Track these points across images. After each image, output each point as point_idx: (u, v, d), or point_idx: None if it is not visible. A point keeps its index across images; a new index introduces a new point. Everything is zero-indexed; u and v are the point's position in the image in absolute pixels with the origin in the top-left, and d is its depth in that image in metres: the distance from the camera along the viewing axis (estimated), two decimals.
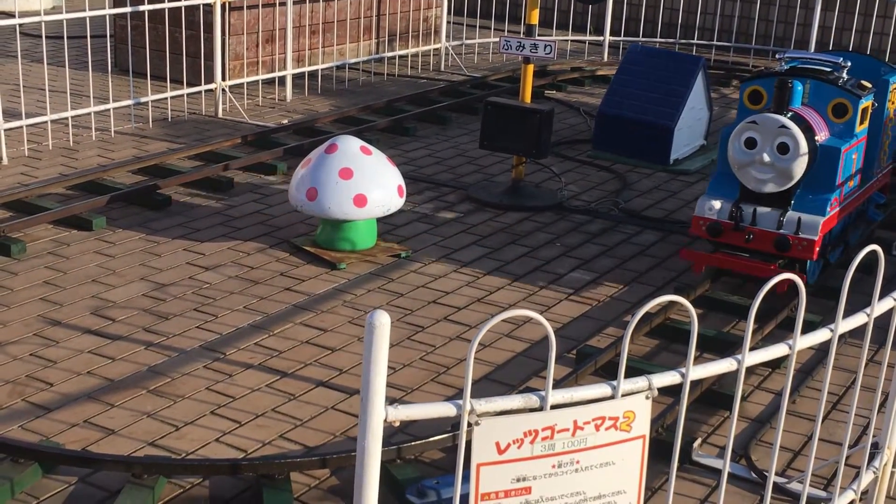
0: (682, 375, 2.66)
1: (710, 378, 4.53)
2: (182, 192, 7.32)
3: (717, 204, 5.84)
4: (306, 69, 10.47)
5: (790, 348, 2.90)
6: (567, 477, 2.51)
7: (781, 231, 5.66)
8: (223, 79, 9.63)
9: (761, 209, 5.76)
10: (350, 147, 6.23)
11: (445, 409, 2.45)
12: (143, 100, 9.03)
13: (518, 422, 2.44)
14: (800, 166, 5.56)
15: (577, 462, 2.51)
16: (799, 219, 5.66)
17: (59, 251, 6.23)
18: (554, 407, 2.46)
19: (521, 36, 7.39)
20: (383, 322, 2.29)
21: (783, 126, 5.55)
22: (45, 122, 8.20)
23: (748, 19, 13.34)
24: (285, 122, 9.32)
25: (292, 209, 6.67)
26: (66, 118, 8.35)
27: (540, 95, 10.47)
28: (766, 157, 5.57)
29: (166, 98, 9.25)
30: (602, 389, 2.53)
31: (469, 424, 2.39)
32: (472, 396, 2.37)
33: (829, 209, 5.67)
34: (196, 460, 4.16)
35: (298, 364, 5.04)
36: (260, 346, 5.21)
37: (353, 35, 11.33)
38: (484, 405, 2.42)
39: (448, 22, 12.26)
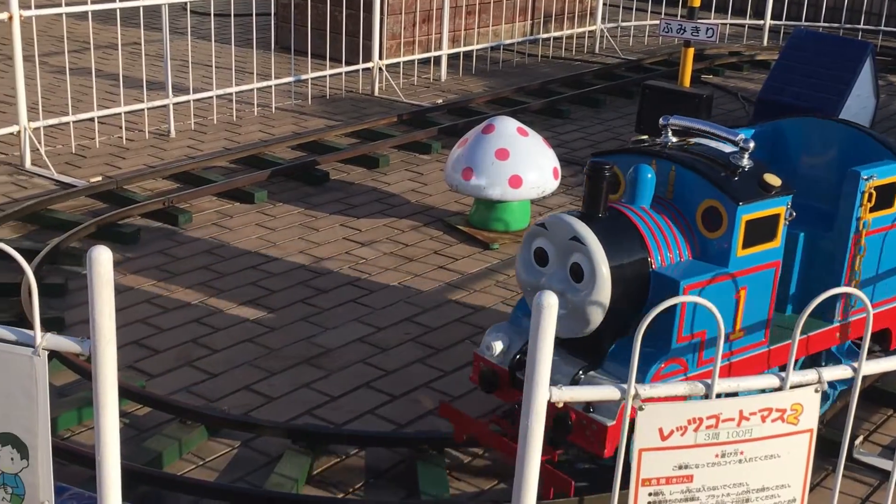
0: (854, 370, 2.60)
1: (874, 374, 4.39)
2: (339, 168, 7.48)
3: (498, 344, 3.88)
4: (461, 49, 10.53)
5: None
6: (730, 467, 2.48)
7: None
8: (380, 58, 9.78)
9: (557, 360, 3.48)
10: (507, 128, 6.25)
11: (610, 393, 2.45)
12: (303, 77, 9.24)
13: (683, 409, 2.42)
14: (597, 305, 3.56)
15: (742, 453, 2.48)
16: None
17: (222, 222, 6.45)
18: (719, 396, 2.44)
19: (682, 18, 7.27)
20: (551, 303, 2.31)
21: (575, 238, 3.59)
22: (211, 97, 8.48)
23: None
24: (440, 101, 9.40)
25: (446, 188, 6.74)
26: (231, 94, 8.61)
27: (696, 80, 10.27)
28: (555, 284, 3.61)
29: (325, 76, 9.44)
30: (770, 380, 2.49)
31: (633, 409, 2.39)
32: None
33: (651, 379, 3.59)
34: (354, 431, 4.26)
35: (451, 341, 5.11)
36: (413, 322, 5.29)
37: (508, 16, 11.33)
38: (648, 390, 2.41)
39: (604, 4, 12.14)
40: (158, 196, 6.64)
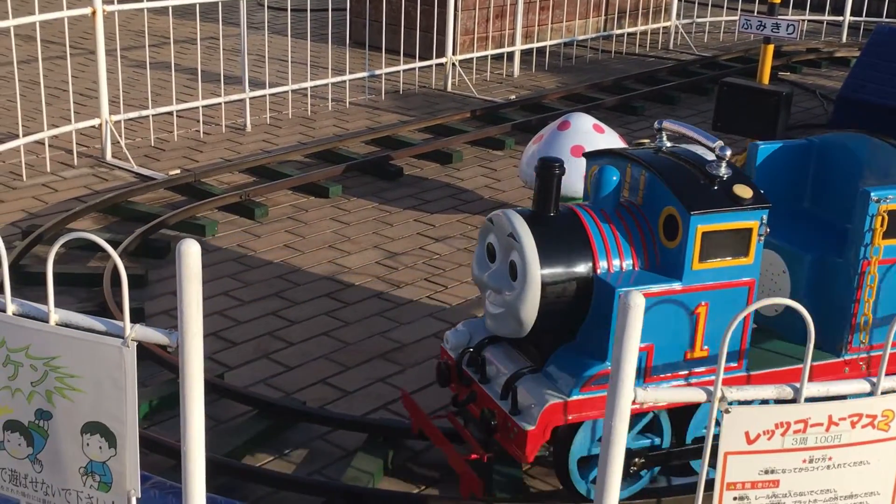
0: None
1: None
2: (413, 163, 7.49)
3: (455, 337, 3.88)
4: (534, 45, 10.49)
5: None
6: (818, 473, 2.44)
7: (501, 402, 3.59)
8: (453, 53, 9.78)
9: (502, 358, 3.72)
10: (583, 124, 6.21)
11: (695, 395, 2.42)
12: (377, 72, 9.28)
13: (770, 412, 2.38)
14: (528, 306, 3.44)
15: (830, 458, 2.43)
16: (519, 391, 3.53)
17: (297, 216, 6.50)
18: (808, 400, 2.40)
19: (762, 15, 7.17)
20: (638, 303, 2.28)
21: (511, 235, 3.48)
22: (286, 91, 8.55)
23: None
24: (512, 97, 9.38)
25: (520, 184, 6.72)
26: (305, 88, 8.68)
27: (774, 77, 10.12)
28: (494, 281, 3.56)
29: (398, 71, 9.47)
30: (860, 385, 2.45)
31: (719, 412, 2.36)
32: None
33: (580, 388, 3.45)
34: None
35: None
36: None
37: (581, 12, 11.26)
38: (735, 393, 2.38)
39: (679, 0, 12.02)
40: (235, 190, 6.72)
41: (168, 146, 7.72)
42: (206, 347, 2.36)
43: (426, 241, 6.20)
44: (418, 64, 9.60)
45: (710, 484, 2.41)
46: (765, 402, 2.56)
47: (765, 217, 3.50)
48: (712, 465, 2.40)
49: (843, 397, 2.41)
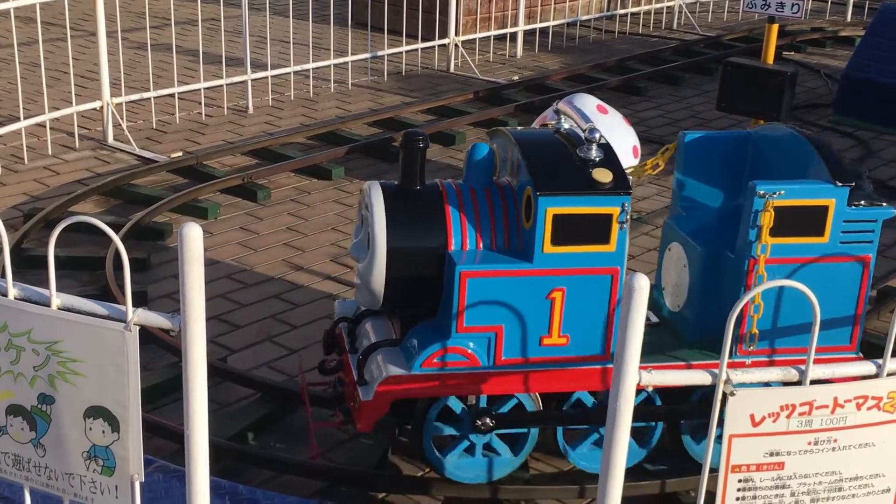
0: None
1: None
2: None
3: (341, 306, 3.97)
4: (537, 25, 10.44)
5: None
6: (823, 455, 2.43)
7: (355, 371, 3.60)
8: (456, 34, 9.74)
9: (373, 330, 3.73)
10: (586, 105, 6.18)
11: (700, 377, 2.41)
12: (379, 53, 9.24)
13: (775, 395, 2.38)
14: (375, 276, 3.45)
15: (835, 441, 2.42)
16: (369, 363, 3.55)
17: (300, 199, 6.49)
18: (813, 382, 2.39)
19: None
20: (643, 285, 2.27)
21: (367, 206, 3.51)
22: (288, 73, 8.52)
23: None
24: (516, 78, 9.34)
25: None
26: (308, 70, 8.64)
27: (778, 56, 10.06)
28: (355, 252, 3.58)
29: (401, 52, 9.43)
30: (865, 367, 2.43)
31: (724, 394, 2.35)
32: None
33: (422, 363, 3.43)
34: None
35: None
36: None
37: None
38: (740, 375, 2.37)
39: None
40: (237, 172, 6.70)
41: (170, 128, 7.70)
42: (208, 331, 2.35)
43: None
44: (421, 45, 9.56)
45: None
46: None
47: (626, 204, 3.35)
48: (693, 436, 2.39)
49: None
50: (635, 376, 2.34)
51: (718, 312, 3.52)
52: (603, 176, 3.34)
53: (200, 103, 8.02)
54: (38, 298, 2.43)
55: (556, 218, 3.32)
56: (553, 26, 10.67)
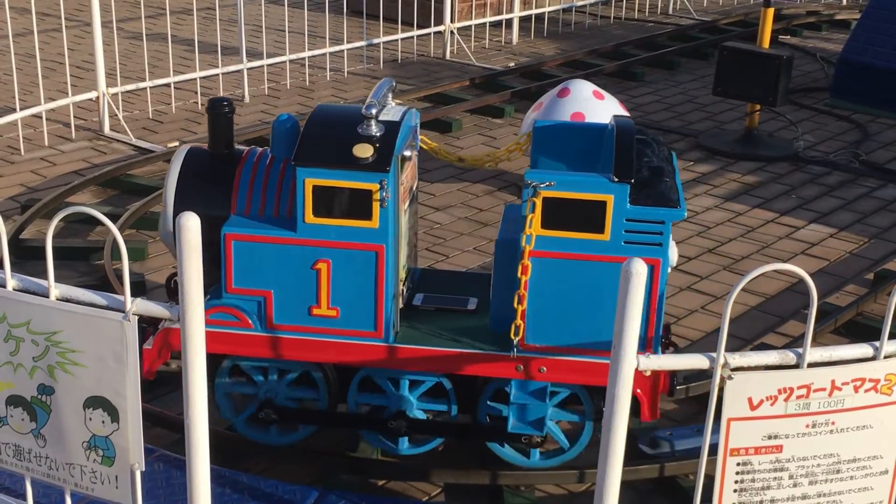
0: None
1: None
2: None
3: None
4: (533, 12, 10.42)
5: None
6: (821, 438, 2.44)
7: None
8: (451, 21, 9.72)
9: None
10: (582, 91, 6.18)
11: (698, 361, 2.42)
12: (375, 41, 9.22)
13: (773, 378, 2.38)
14: (165, 236, 3.68)
15: (833, 423, 2.43)
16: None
17: None
18: (811, 365, 2.40)
19: None
20: (640, 270, 2.28)
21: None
22: (284, 61, 8.50)
23: None
24: (512, 64, 9.33)
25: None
26: (303, 58, 8.63)
27: (774, 40, 10.06)
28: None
29: (396, 40, 9.42)
30: (863, 350, 2.44)
31: (721, 378, 2.35)
32: (704, 350, 2.33)
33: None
34: None
35: None
36: None
37: None
38: (738, 359, 2.38)
39: None
40: None
41: (166, 118, 7.69)
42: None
43: (426, 210, 6.19)
44: (416, 32, 9.55)
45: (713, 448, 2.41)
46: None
47: (385, 181, 3.31)
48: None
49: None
50: (633, 361, 2.35)
51: (501, 304, 3.45)
52: (363, 152, 3.34)
53: (196, 93, 8.01)
54: (37, 289, 2.44)
55: (316, 189, 3.35)
56: (549, 12, 10.66)
